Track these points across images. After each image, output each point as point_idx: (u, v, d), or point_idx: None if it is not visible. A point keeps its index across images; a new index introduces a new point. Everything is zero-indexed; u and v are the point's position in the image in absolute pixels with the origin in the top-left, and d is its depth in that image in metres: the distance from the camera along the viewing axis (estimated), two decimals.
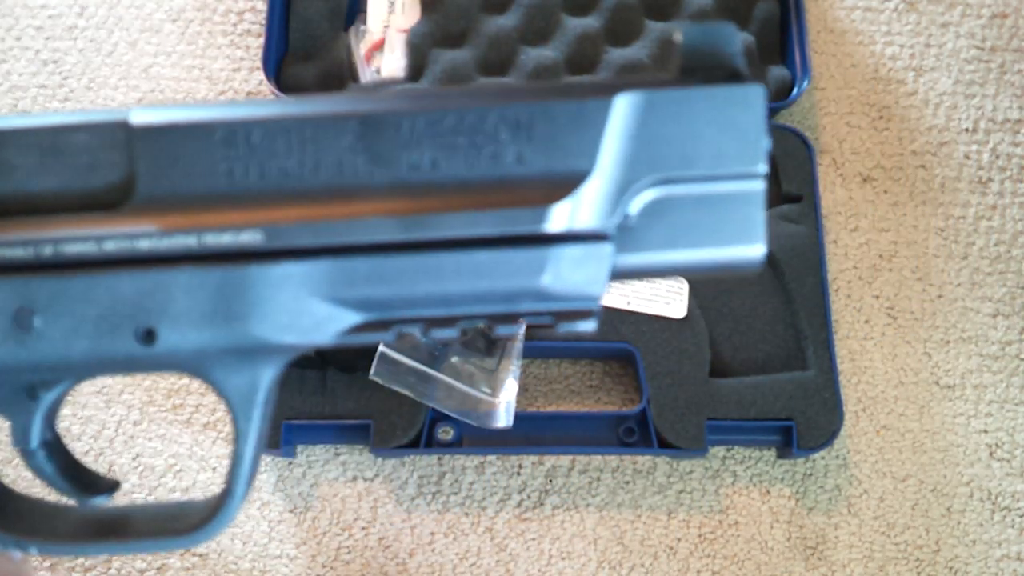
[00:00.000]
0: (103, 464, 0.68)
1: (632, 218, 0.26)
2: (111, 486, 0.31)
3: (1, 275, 0.26)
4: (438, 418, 0.66)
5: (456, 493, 0.68)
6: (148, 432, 0.69)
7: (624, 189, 0.26)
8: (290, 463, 0.68)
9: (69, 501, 0.31)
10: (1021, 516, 0.69)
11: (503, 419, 0.65)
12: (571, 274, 0.26)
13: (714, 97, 0.26)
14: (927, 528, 0.68)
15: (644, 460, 0.69)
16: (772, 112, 0.75)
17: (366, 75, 0.75)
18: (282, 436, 0.66)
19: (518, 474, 0.69)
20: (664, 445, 0.66)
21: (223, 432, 0.69)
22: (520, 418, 0.66)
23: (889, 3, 0.82)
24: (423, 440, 0.66)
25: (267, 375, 0.28)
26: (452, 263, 0.26)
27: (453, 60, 0.74)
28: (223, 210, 0.26)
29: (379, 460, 0.69)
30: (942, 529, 0.68)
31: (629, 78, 0.27)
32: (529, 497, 0.68)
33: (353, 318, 0.27)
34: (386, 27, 0.76)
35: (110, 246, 0.26)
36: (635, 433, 0.67)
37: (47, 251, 0.26)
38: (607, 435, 0.67)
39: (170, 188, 0.26)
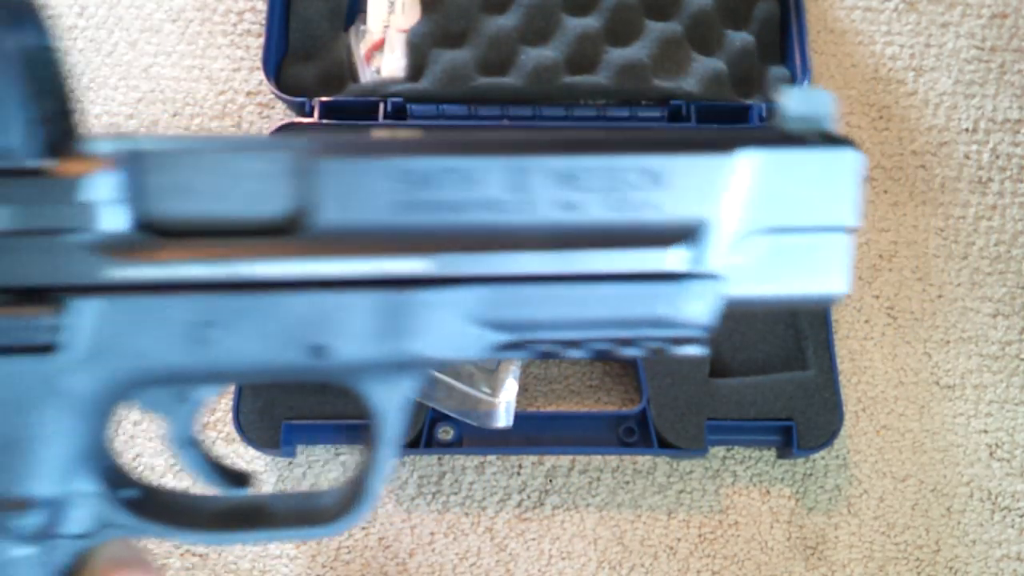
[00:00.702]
0: None
1: (741, 259, 0.30)
2: (248, 478, 0.33)
3: (184, 292, 0.28)
4: (438, 418, 0.66)
5: (456, 493, 0.68)
6: (148, 432, 0.69)
7: (739, 236, 0.30)
8: (290, 463, 0.68)
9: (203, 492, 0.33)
10: (1021, 516, 0.69)
11: (503, 419, 0.65)
12: (687, 306, 0.30)
13: (821, 158, 0.30)
14: (927, 528, 0.68)
15: (644, 460, 0.69)
16: (772, 112, 0.75)
17: (366, 75, 0.75)
18: (282, 436, 0.66)
19: (518, 474, 0.69)
20: (664, 445, 0.66)
21: (223, 432, 0.69)
22: (520, 418, 0.66)
23: (889, 3, 0.82)
24: (423, 440, 0.66)
25: (411, 386, 0.31)
26: (588, 293, 0.29)
27: (453, 60, 0.74)
28: (396, 239, 0.28)
29: None
30: (942, 529, 0.68)
31: (744, 134, 0.31)
32: (529, 497, 0.68)
33: (499, 338, 0.29)
34: (386, 27, 0.76)
35: (288, 270, 0.28)
36: (635, 433, 0.67)
37: (230, 272, 0.28)
38: (607, 435, 0.67)
39: (347, 217, 0.28)
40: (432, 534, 0.67)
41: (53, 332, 0.27)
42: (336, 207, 0.28)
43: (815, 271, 0.30)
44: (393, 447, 0.31)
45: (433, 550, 0.67)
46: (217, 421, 0.69)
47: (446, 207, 0.29)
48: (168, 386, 0.30)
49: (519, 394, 0.66)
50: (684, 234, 0.29)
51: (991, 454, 0.70)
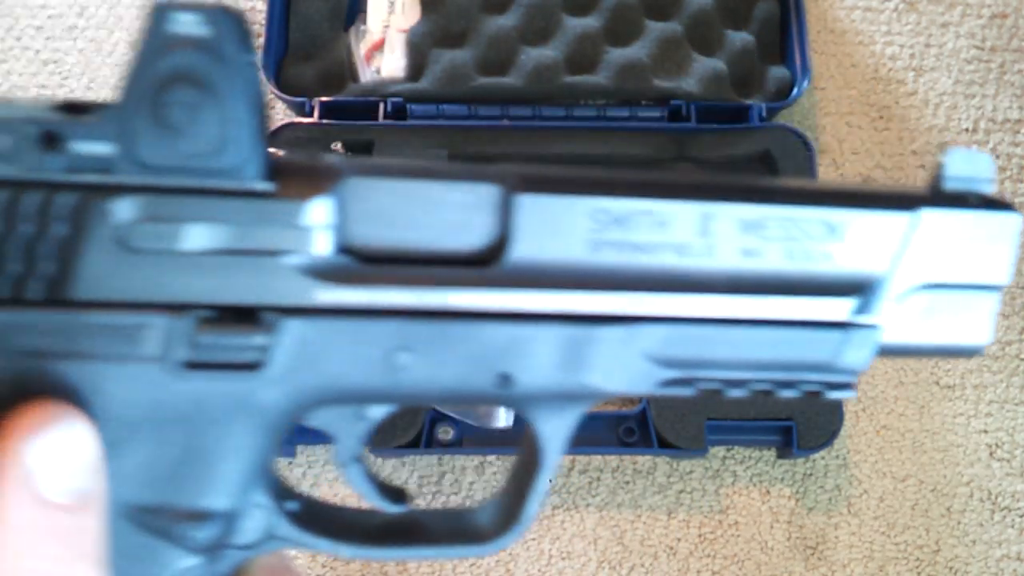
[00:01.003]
0: None
1: (900, 311, 0.31)
2: (406, 495, 0.34)
3: (383, 317, 0.28)
4: (438, 418, 0.66)
5: (456, 493, 0.68)
6: None
7: (905, 290, 0.31)
8: (290, 463, 0.68)
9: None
10: (1021, 516, 0.69)
11: (503, 419, 0.65)
12: (848, 354, 0.31)
13: (986, 220, 0.31)
14: (927, 528, 0.68)
15: (644, 460, 0.69)
16: (772, 112, 0.75)
17: (366, 75, 0.75)
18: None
19: None
20: (664, 445, 0.66)
21: None
22: (520, 418, 0.66)
23: (889, 3, 0.82)
24: (423, 440, 0.66)
25: (577, 416, 0.31)
26: (758, 336, 0.30)
27: (453, 60, 0.74)
28: (586, 276, 0.29)
29: (379, 460, 0.69)
30: (942, 529, 0.68)
31: (910, 192, 0.31)
32: None
33: (668, 374, 0.30)
34: (386, 27, 0.76)
35: (484, 301, 0.29)
36: (635, 433, 0.67)
37: (429, 300, 0.28)
38: (607, 435, 0.67)
39: (540, 252, 0.29)
40: None
41: (261, 351, 0.28)
42: (532, 241, 0.29)
43: (963, 325, 0.31)
44: (553, 473, 0.32)
45: None
46: None
47: (636, 247, 0.29)
48: (350, 405, 0.31)
49: None
50: (856, 286, 0.30)
51: (991, 454, 0.70)
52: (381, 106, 0.72)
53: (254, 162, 0.27)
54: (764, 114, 0.74)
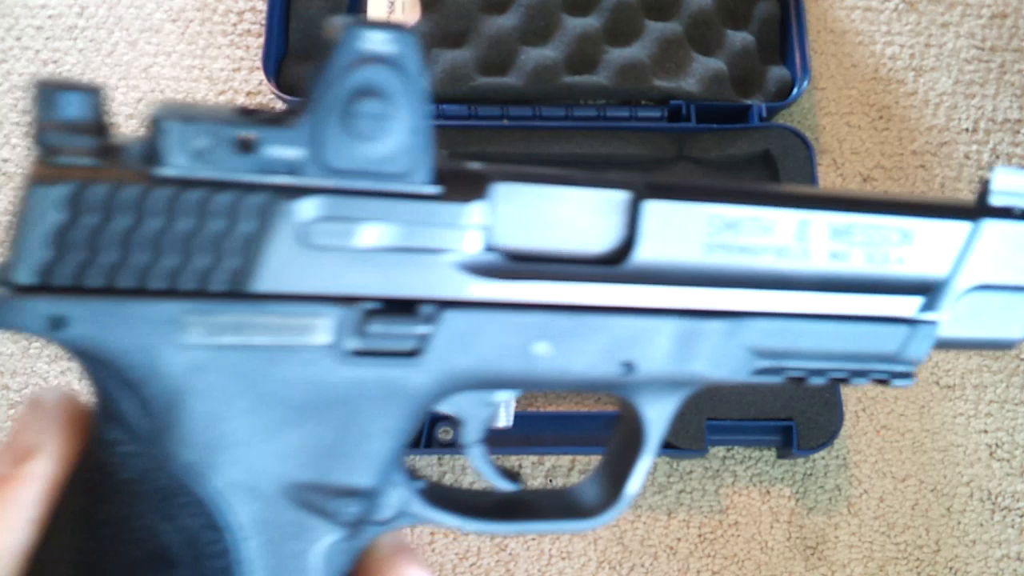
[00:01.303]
0: None
1: (956, 308, 0.35)
2: (519, 475, 0.37)
3: (525, 310, 0.31)
4: (438, 418, 0.66)
5: None
6: None
7: (963, 290, 0.35)
8: None
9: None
10: (1021, 516, 0.69)
11: (503, 419, 0.65)
12: (912, 346, 0.35)
13: None
14: (927, 528, 0.68)
15: None
16: (772, 112, 0.75)
17: None
18: None
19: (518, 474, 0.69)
20: (664, 445, 0.66)
21: None
22: (520, 418, 0.66)
23: (889, 3, 0.82)
24: (423, 440, 0.66)
25: (679, 401, 0.35)
26: (839, 330, 0.34)
27: (453, 60, 0.74)
28: (700, 275, 0.32)
29: None
30: (942, 529, 0.68)
31: (966, 204, 0.35)
32: None
33: (762, 364, 0.34)
34: None
35: (612, 296, 0.32)
36: None
37: (566, 295, 0.31)
38: (607, 435, 0.67)
39: (662, 253, 0.32)
40: (432, 534, 0.67)
41: (421, 340, 0.30)
42: (656, 243, 0.32)
43: (1003, 321, 0.36)
44: (655, 454, 0.35)
45: (433, 550, 0.67)
46: None
47: (743, 250, 0.33)
48: (483, 390, 0.33)
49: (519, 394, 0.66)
50: (924, 286, 0.34)
51: (991, 454, 0.70)
52: None
53: (424, 167, 0.29)
54: (764, 114, 0.74)
